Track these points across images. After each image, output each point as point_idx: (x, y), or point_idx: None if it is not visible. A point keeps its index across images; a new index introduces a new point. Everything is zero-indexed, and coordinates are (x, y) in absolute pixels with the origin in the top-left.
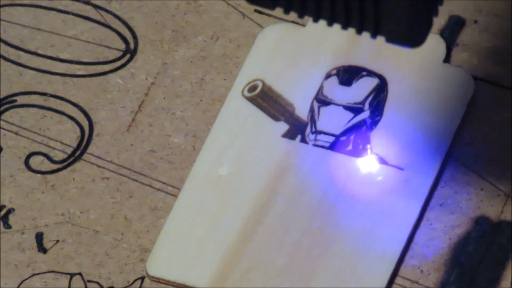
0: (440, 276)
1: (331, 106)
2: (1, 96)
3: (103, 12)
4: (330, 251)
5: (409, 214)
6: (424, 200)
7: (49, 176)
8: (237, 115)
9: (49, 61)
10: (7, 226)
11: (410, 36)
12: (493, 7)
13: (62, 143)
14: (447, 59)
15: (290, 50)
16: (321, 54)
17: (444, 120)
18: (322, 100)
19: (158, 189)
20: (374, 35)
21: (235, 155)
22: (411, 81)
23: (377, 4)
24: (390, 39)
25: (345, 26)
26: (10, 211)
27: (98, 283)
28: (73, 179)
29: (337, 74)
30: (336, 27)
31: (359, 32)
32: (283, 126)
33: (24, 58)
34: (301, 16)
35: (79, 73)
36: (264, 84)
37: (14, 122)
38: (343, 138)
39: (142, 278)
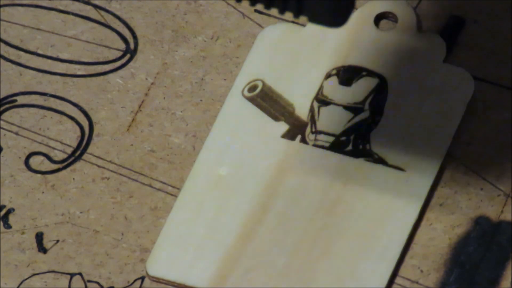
0: (440, 276)
1: (331, 106)
2: (1, 96)
3: (103, 12)
4: (330, 251)
5: (409, 214)
6: (424, 200)
7: (49, 176)
8: (237, 115)
9: (49, 61)
10: (7, 226)
11: (332, 16)
12: (493, 7)
13: (62, 143)
14: (447, 59)
15: (290, 50)
16: (321, 54)
17: (444, 120)
18: (322, 100)
19: (158, 189)
20: (296, 15)
21: (235, 155)
22: (411, 81)
23: None
24: (312, 19)
25: (267, 7)
26: (10, 211)
27: (98, 283)
28: (73, 179)
29: (337, 74)
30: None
31: (281, 12)
32: (283, 126)
33: (24, 58)
34: None
35: (79, 73)
36: (264, 84)
37: (14, 122)
38: (343, 138)
39: (142, 278)
